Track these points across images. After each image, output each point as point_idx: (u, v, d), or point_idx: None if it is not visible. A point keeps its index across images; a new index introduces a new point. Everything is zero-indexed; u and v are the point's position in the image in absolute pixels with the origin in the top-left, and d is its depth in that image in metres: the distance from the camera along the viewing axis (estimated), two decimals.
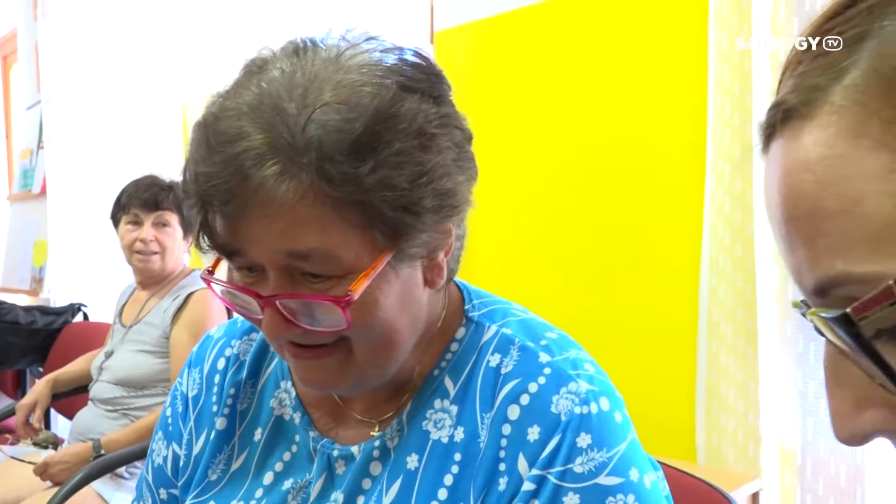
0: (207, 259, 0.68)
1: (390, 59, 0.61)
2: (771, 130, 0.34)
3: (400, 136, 0.58)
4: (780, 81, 0.35)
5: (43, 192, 3.51)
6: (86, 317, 2.93)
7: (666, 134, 1.56)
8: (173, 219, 1.95)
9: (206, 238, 0.63)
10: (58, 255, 3.34)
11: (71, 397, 2.24)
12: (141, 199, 1.94)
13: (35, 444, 2.13)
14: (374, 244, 0.60)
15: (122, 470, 1.80)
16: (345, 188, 0.57)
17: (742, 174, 1.39)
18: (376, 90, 0.58)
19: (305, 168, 0.56)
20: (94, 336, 2.62)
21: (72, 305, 2.90)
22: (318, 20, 2.20)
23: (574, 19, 1.71)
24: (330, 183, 0.56)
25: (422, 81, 0.61)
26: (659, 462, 0.71)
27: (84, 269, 3.19)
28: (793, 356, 1.39)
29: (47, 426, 2.54)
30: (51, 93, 3.39)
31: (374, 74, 0.59)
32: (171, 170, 2.85)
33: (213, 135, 0.59)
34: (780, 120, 0.33)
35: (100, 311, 2.99)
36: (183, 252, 2.03)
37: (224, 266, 0.67)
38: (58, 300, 3.24)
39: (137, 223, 1.95)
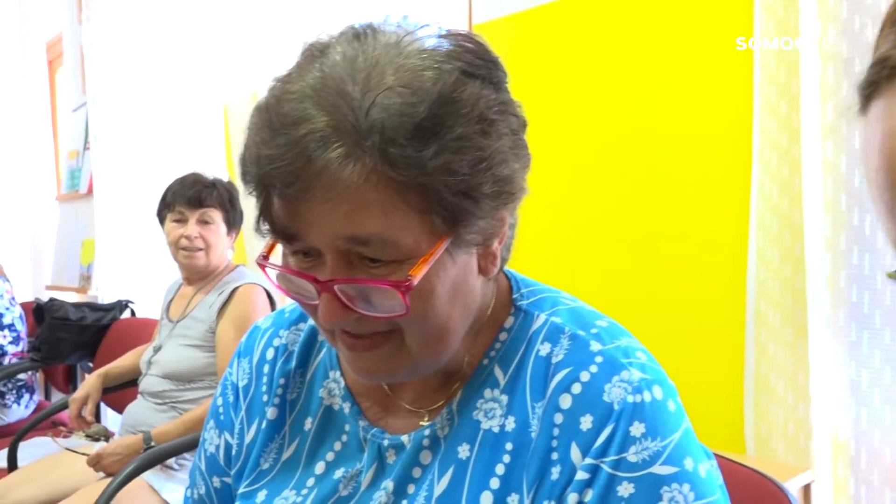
0: (259, 246, 0.68)
1: (449, 45, 0.61)
2: (872, 89, 0.32)
3: (462, 121, 0.58)
4: (879, 37, 0.33)
5: (90, 191, 3.57)
6: (133, 313, 2.99)
7: (711, 123, 1.54)
8: (217, 216, 1.99)
9: (264, 221, 0.63)
10: (105, 253, 3.40)
11: (120, 391, 2.29)
12: (185, 197, 1.98)
13: (87, 437, 2.18)
14: (433, 230, 0.60)
15: (171, 461, 1.84)
16: (408, 172, 0.57)
17: (789, 162, 1.36)
18: (438, 75, 0.58)
19: (369, 151, 0.56)
20: (141, 331, 2.67)
21: (119, 302, 2.95)
22: (358, 18, 2.21)
23: (615, 8, 1.69)
24: (393, 166, 0.56)
25: (481, 68, 0.62)
26: None
27: (130, 267, 3.25)
28: (845, 346, 1.37)
29: (98, 419, 2.61)
30: (95, 95, 3.45)
31: (435, 59, 0.59)
32: (214, 169, 2.90)
33: (276, 117, 0.59)
34: (886, 77, 0.31)
35: (146, 307, 3.05)
36: (227, 248, 2.06)
37: (278, 252, 0.67)
38: (106, 297, 3.31)
39: (182, 220, 1.98)
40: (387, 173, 0.57)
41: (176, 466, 1.87)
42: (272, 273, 0.65)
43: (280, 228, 0.62)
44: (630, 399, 0.63)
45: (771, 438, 1.38)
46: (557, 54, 1.80)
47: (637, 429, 0.62)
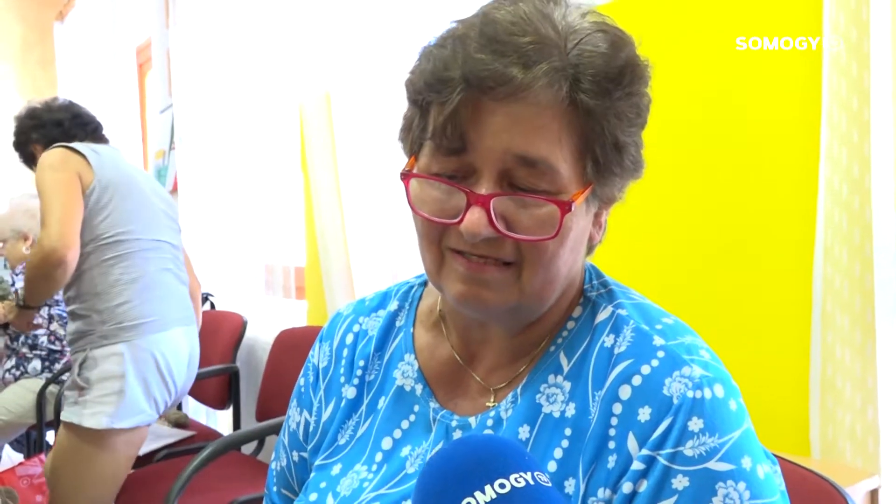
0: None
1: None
2: None
3: (637, 81, 0.66)
4: None
5: (174, 189, 3.73)
6: (213, 305, 3.11)
7: (777, 117, 1.51)
8: None
9: (438, 126, 0.64)
10: (188, 248, 3.54)
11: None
12: None
13: (169, 423, 2.30)
14: (583, 175, 0.66)
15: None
16: (589, 105, 0.63)
17: (860, 158, 1.32)
18: (627, 37, 0.66)
19: (569, 77, 0.63)
20: (220, 323, 2.79)
21: (201, 295, 3.07)
22: (435, 21, 2.25)
23: (683, 5, 1.67)
24: (581, 97, 0.63)
25: None
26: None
27: (211, 261, 3.38)
28: None
29: (179, 407, 2.74)
30: (180, 97, 3.61)
31: (615, 26, 0.68)
32: (290, 165, 2.99)
33: (491, 29, 0.63)
34: None
35: (225, 299, 3.18)
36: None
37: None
38: None
39: None
40: (572, 102, 0.63)
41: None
42: (414, 186, 0.68)
43: (452, 135, 0.64)
44: (690, 394, 0.64)
45: (837, 441, 1.35)
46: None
47: (695, 424, 0.63)
